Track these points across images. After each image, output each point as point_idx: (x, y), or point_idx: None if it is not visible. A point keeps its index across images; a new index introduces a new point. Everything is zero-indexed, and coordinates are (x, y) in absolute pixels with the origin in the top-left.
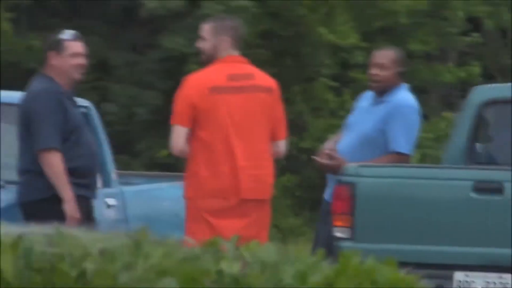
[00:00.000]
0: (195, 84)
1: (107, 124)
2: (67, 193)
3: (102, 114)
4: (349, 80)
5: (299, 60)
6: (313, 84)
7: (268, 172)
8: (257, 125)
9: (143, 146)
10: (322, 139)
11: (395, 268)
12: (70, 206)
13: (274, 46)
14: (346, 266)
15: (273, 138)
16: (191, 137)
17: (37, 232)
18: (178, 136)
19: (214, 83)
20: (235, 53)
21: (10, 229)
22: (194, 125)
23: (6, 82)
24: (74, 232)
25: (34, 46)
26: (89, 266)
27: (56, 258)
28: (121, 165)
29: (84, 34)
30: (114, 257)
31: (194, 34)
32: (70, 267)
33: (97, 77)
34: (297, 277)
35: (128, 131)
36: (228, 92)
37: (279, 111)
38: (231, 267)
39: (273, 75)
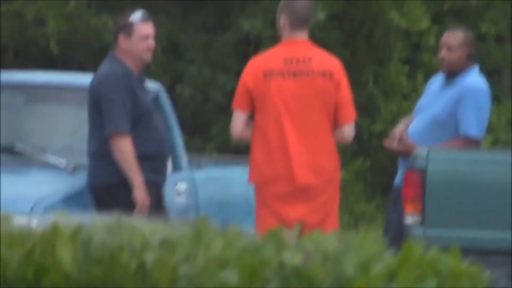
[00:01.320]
0: (251, 68)
1: (181, 106)
2: (137, 179)
3: (176, 97)
4: (421, 62)
5: (371, 43)
6: (385, 67)
7: (325, 158)
8: (313, 110)
9: (217, 130)
10: (394, 123)
11: (458, 258)
12: (140, 193)
13: (346, 28)
14: (409, 256)
15: (337, 123)
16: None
17: (97, 222)
18: (237, 121)
19: (269, 67)
20: (299, 35)
21: (70, 219)
22: (254, 110)
23: (79, 62)
24: (135, 222)
25: (106, 26)
26: (148, 257)
27: (116, 249)
28: (195, 149)
29: (154, 14)
30: (174, 247)
31: (270, 16)
32: (129, 258)
33: (170, 59)
34: (359, 267)
35: (202, 114)
36: (282, 76)
37: (343, 96)
38: (292, 258)
39: (345, 57)
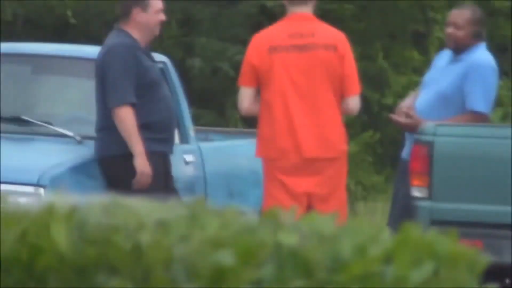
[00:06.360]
0: (255, 44)
1: (191, 79)
2: (137, 148)
3: (187, 70)
4: (434, 37)
5: (385, 16)
6: (396, 41)
7: (332, 130)
8: (318, 84)
9: (227, 102)
10: (404, 96)
11: (456, 241)
12: (140, 161)
13: (359, 1)
14: (407, 238)
15: (343, 95)
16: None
17: (92, 202)
18: (243, 97)
19: (273, 43)
20: (300, 9)
21: (66, 199)
22: (261, 85)
23: (93, 35)
24: (131, 202)
25: None
26: (143, 238)
27: (111, 230)
28: (205, 121)
29: None
30: (169, 228)
31: None
32: (124, 239)
33: (183, 33)
34: (356, 250)
35: (212, 87)
36: (287, 51)
37: (348, 67)
38: (288, 239)
39: (358, 31)
